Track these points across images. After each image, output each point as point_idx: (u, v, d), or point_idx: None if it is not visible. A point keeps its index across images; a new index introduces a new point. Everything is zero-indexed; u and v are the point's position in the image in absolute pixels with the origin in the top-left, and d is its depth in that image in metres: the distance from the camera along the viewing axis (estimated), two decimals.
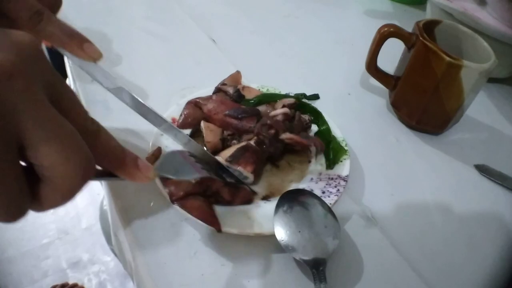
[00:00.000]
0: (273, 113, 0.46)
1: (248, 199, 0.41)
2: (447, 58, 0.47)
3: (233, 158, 0.41)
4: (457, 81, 0.48)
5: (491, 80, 0.69)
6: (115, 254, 0.68)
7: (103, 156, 0.27)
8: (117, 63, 0.60)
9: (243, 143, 0.42)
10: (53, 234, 1.45)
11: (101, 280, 1.35)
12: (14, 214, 0.23)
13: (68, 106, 0.25)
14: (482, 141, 0.59)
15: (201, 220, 0.37)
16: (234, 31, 0.70)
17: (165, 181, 0.39)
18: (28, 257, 1.39)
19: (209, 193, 0.39)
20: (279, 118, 0.45)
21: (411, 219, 0.45)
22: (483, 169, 0.53)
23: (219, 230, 0.37)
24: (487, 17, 0.68)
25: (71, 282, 1.33)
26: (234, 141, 0.44)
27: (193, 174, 0.35)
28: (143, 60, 0.61)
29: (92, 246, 1.43)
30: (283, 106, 0.47)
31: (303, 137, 0.44)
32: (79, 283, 1.33)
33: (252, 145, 0.42)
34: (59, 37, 0.35)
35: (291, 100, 0.49)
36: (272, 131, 0.43)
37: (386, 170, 0.50)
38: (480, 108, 0.63)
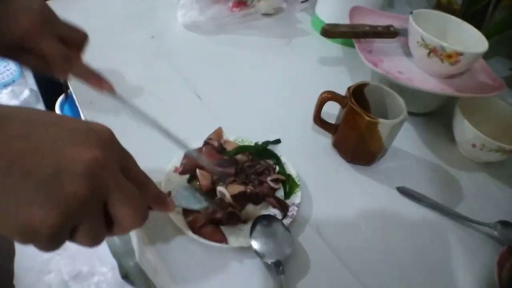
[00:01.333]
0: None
1: (236, 221, 0.64)
2: (367, 118, 0.70)
3: (234, 197, 0.64)
4: (376, 132, 0.71)
5: (418, 114, 0.93)
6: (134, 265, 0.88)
7: (152, 199, 0.45)
8: (131, 118, 0.82)
9: (243, 190, 0.65)
10: None
11: None
12: (96, 242, 0.38)
13: (132, 172, 0.41)
14: (405, 167, 0.82)
15: (216, 241, 0.60)
16: (213, 87, 0.91)
17: (186, 213, 0.62)
18: (31, 272, 1.59)
19: (215, 220, 0.62)
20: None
21: (346, 232, 0.68)
22: (402, 191, 0.77)
23: (226, 243, 0.60)
24: (413, 67, 0.91)
25: None
26: (221, 183, 0.66)
27: (199, 205, 0.58)
28: (150, 116, 0.83)
29: (89, 258, 1.63)
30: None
31: (277, 201, 0.67)
32: None
33: (247, 194, 0.65)
34: (84, 76, 0.59)
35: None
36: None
37: (329, 195, 0.73)
38: (406, 139, 0.86)
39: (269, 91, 0.94)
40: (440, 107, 0.93)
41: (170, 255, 0.61)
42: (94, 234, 0.37)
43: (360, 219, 0.71)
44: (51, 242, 0.34)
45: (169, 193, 0.65)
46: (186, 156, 0.70)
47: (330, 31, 0.92)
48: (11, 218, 0.32)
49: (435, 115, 0.95)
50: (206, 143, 0.73)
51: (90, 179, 0.34)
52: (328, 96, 0.75)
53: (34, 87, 2.71)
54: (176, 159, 0.71)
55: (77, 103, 0.88)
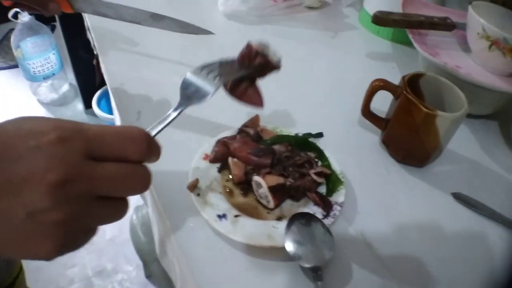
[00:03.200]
0: None
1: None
2: (424, 109, 0.61)
3: (272, 189, 0.56)
4: (433, 127, 0.62)
5: (475, 116, 0.83)
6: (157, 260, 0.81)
7: (139, 159, 0.37)
8: (156, 105, 0.75)
9: (283, 182, 0.57)
10: None
11: None
12: (118, 216, 0.36)
13: (103, 151, 0.35)
14: (461, 172, 0.72)
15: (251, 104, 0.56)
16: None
17: None
18: (55, 265, 1.54)
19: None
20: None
21: (393, 237, 0.59)
22: (458, 197, 0.67)
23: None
24: (471, 63, 0.82)
25: None
26: (254, 174, 0.58)
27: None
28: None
29: (115, 256, 1.58)
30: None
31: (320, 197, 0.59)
32: None
33: (287, 186, 0.57)
34: None
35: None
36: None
37: (376, 197, 0.64)
38: (463, 142, 0.77)
39: (312, 84, 0.86)
40: (499, 109, 0.83)
41: (192, 252, 0.54)
42: (108, 216, 0.36)
43: (410, 225, 0.62)
44: (63, 253, 0.34)
45: (197, 180, 0.58)
46: (217, 143, 0.62)
47: (382, 19, 0.83)
48: (16, 253, 0.35)
49: (494, 118, 0.84)
50: (241, 130, 0.65)
51: (60, 203, 0.32)
52: (380, 84, 0.66)
53: (73, 81, 2.71)
54: (207, 145, 0.63)
55: (108, 86, 0.82)
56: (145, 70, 0.83)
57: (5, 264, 0.81)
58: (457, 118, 0.62)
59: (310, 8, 1.07)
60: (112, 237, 1.63)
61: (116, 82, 0.81)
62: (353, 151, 0.71)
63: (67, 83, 2.69)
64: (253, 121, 0.67)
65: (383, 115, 0.72)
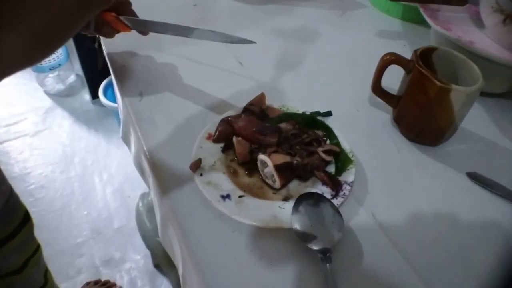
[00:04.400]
0: None
1: None
2: (438, 83, 0.58)
3: (278, 168, 0.53)
4: (447, 102, 0.59)
5: (489, 95, 0.79)
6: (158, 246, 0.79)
7: None
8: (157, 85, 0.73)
9: (289, 160, 0.54)
10: (87, 234, 1.59)
11: (132, 277, 1.48)
12: None
13: None
14: (476, 151, 0.69)
15: None
16: (259, 55, 0.82)
17: None
18: (63, 255, 1.53)
19: None
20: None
21: (406, 218, 0.56)
22: (473, 177, 0.64)
23: None
24: (484, 39, 0.78)
25: (103, 279, 1.46)
26: (260, 153, 0.55)
27: None
28: (184, 81, 0.74)
29: (123, 245, 1.56)
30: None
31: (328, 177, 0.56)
32: (111, 280, 1.46)
33: (294, 165, 0.55)
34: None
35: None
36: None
37: (387, 177, 0.61)
38: (477, 121, 0.74)
39: (321, 62, 0.84)
40: None
41: (194, 233, 0.51)
42: None
43: (423, 205, 0.59)
44: None
45: (199, 160, 0.55)
46: (221, 121, 0.60)
47: None
48: None
49: (509, 96, 0.81)
50: (245, 109, 0.63)
51: None
52: (392, 58, 0.63)
53: (80, 72, 2.69)
54: (210, 124, 0.61)
55: (110, 68, 0.80)
56: (145, 50, 0.81)
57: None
58: (472, 92, 0.59)
59: None
60: (120, 227, 1.62)
61: (118, 64, 0.78)
62: (363, 130, 0.68)
63: (74, 74, 2.68)
64: (258, 99, 0.64)
65: (394, 93, 0.68)
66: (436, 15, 0.81)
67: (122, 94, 0.73)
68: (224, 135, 0.59)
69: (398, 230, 0.54)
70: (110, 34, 0.72)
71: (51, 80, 2.60)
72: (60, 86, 2.61)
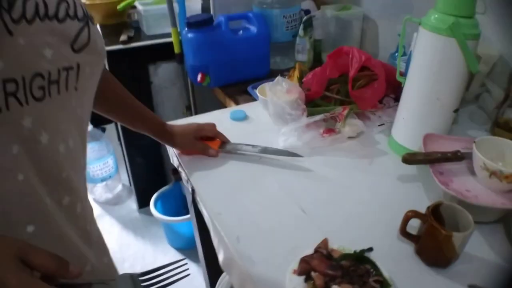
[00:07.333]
0: None
1: None
2: (444, 232, 0.93)
3: None
4: (451, 242, 0.93)
5: (484, 223, 1.13)
6: None
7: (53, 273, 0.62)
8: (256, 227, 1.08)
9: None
10: None
11: None
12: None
13: (31, 263, 0.59)
14: (475, 269, 1.02)
15: None
16: (314, 201, 1.18)
17: None
18: None
19: None
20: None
21: None
22: (473, 287, 0.97)
23: None
24: (477, 185, 1.14)
25: None
26: (332, 283, 0.89)
27: None
28: (260, 229, 1.10)
29: None
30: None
31: None
32: None
33: None
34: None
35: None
36: None
37: None
38: (476, 245, 1.07)
39: (359, 206, 1.18)
40: (503, 216, 1.13)
41: None
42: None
43: None
44: None
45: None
46: (301, 260, 0.94)
47: (410, 159, 1.17)
48: None
49: (499, 223, 1.14)
50: (316, 251, 0.97)
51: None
52: (412, 214, 0.99)
53: (126, 182, 3.04)
54: (294, 262, 0.95)
55: (206, 214, 1.16)
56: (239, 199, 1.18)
57: None
58: (466, 236, 0.94)
59: (350, 138, 1.43)
60: None
61: (213, 211, 1.14)
62: (395, 260, 1.02)
63: (121, 183, 3.05)
64: (324, 243, 0.99)
65: (415, 230, 1.03)
66: (442, 169, 1.16)
67: (220, 238, 1.08)
68: (304, 270, 0.93)
69: None
70: (215, 155, 1.34)
71: (100, 189, 2.96)
72: (108, 195, 2.97)
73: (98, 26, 2.43)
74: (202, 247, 1.79)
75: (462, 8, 1.12)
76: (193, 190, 1.26)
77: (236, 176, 1.28)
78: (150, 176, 2.67)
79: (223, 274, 1.78)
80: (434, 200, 1.01)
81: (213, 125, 1.37)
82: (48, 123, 0.71)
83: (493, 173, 1.07)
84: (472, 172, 1.17)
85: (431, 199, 1.16)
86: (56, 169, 0.75)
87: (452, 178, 1.14)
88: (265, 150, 1.31)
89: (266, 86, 1.54)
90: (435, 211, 0.99)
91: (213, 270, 1.92)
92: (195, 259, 2.64)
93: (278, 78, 1.50)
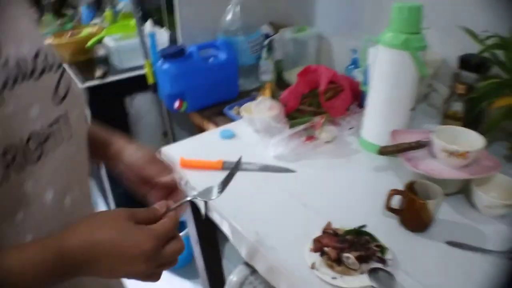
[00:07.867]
0: None
1: None
2: (421, 201, 1.19)
3: (356, 258, 1.10)
4: (427, 209, 1.20)
5: (450, 194, 1.40)
6: None
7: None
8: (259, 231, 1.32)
9: (360, 254, 1.12)
10: None
11: None
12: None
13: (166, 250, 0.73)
14: (448, 230, 1.29)
15: None
16: (311, 196, 1.42)
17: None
18: None
19: None
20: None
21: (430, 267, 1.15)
22: (451, 243, 1.23)
23: None
24: (438, 165, 1.41)
25: None
26: (343, 253, 1.14)
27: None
28: (272, 224, 1.34)
29: None
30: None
31: (379, 257, 1.15)
32: None
33: (363, 255, 1.12)
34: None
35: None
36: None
37: (403, 252, 1.20)
38: (445, 212, 1.33)
39: (347, 195, 1.45)
40: (464, 187, 1.41)
41: None
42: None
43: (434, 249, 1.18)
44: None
45: (314, 264, 1.13)
46: (314, 240, 1.19)
47: (384, 151, 1.44)
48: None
49: (461, 192, 1.42)
50: (324, 231, 1.22)
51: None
52: (394, 192, 1.25)
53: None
54: (308, 243, 1.20)
55: (222, 219, 1.38)
56: (249, 203, 1.41)
57: None
58: (439, 201, 1.21)
59: (327, 142, 1.69)
60: None
61: (230, 215, 1.37)
62: (385, 232, 1.27)
63: None
64: (328, 225, 1.24)
65: (396, 207, 1.29)
66: (409, 156, 1.44)
67: (241, 236, 1.32)
68: (318, 247, 1.17)
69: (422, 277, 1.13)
70: None
71: None
72: None
73: (67, 65, 2.50)
74: (204, 260, 1.97)
75: (411, 27, 1.42)
76: (205, 201, 1.47)
77: (242, 186, 1.48)
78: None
79: (228, 282, 1.96)
80: (406, 182, 1.29)
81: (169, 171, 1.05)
82: (50, 179, 0.71)
83: (451, 153, 1.35)
84: (433, 156, 1.44)
85: (403, 181, 1.40)
86: (62, 225, 0.70)
87: (418, 162, 1.41)
88: (265, 168, 1.54)
89: (252, 105, 1.79)
90: (411, 188, 1.26)
91: (214, 281, 2.10)
92: (188, 276, 2.81)
93: (261, 97, 1.76)
